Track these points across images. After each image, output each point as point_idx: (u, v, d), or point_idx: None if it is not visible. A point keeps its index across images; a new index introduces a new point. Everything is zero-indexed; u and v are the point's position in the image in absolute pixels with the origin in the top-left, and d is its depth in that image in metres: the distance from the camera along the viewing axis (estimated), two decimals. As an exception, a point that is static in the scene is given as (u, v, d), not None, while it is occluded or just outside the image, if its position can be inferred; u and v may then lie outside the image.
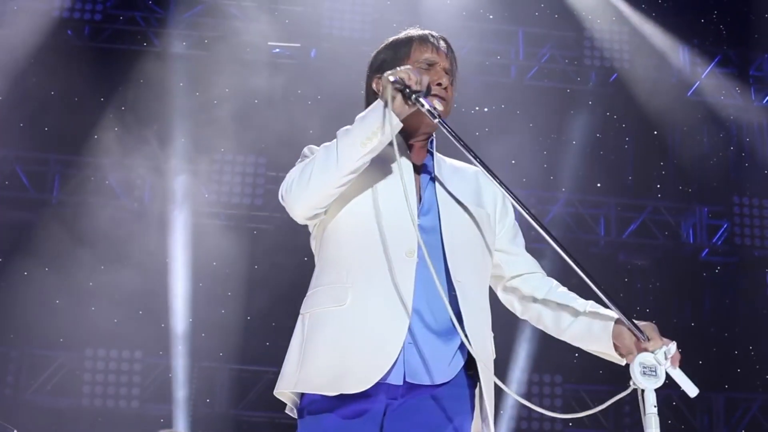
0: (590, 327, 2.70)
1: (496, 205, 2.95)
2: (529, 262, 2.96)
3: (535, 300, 2.86)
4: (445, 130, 2.63)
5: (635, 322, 2.55)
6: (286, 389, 2.67)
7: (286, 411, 2.79)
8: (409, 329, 2.58)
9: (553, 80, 12.02)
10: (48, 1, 10.97)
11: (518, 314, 2.94)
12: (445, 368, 2.62)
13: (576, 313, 2.75)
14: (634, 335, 2.54)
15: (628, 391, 2.44)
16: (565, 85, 12.01)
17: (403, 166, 2.68)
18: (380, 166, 2.72)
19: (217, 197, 10.88)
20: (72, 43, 11.14)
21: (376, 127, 2.56)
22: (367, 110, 2.64)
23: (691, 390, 2.49)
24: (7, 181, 10.80)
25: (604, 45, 11.91)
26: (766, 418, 11.33)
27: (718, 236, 11.86)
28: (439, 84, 2.81)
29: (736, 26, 11.93)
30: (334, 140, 2.66)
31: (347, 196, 2.69)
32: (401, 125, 2.59)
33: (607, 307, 2.58)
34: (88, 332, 10.10)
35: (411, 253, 2.63)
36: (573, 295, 2.83)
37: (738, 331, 11.27)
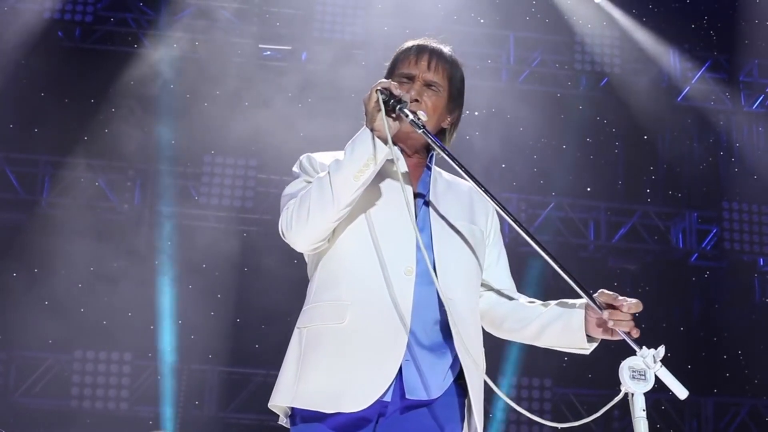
0: (559, 313, 2.74)
1: (487, 221, 2.97)
2: (504, 279, 2.99)
3: (504, 313, 2.88)
4: (429, 141, 2.64)
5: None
6: (282, 403, 2.67)
7: (280, 422, 2.79)
8: (407, 347, 2.61)
9: (544, 84, 12.04)
10: (39, 2, 10.94)
11: (492, 332, 2.95)
12: (440, 383, 2.66)
13: (541, 311, 2.79)
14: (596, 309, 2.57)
15: (620, 396, 2.44)
16: (555, 89, 12.03)
17: (405, 185, 2.70)
18: (379, 182, 2.73)
19: (207, 199, 10.87)
20: (63, 44, 11.13)
21: (367, 158, 2.57)
22: (354, 140, 2.62)
23: (681, 392, 2.49)
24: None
25: (595, 50, 11.94)
26: (755, 422, 11.35)
27: (707, 241, 11.89)
28: (415, 99, 2.78)
29: (726, 31, 11.96)
30: (326, 174, 2.64)
31: (353, 212, 2.70)
32: (389, 153, 2.58)
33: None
34: (77, 334, 10.07)
35: (409, 271, 2.66)
36: (539, 302, 2.86)
37: (727, 335, 11.29)
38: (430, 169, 2.89)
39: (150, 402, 10.40)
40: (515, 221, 2.60)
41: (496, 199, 2.64)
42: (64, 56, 10.93)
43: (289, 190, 2.81)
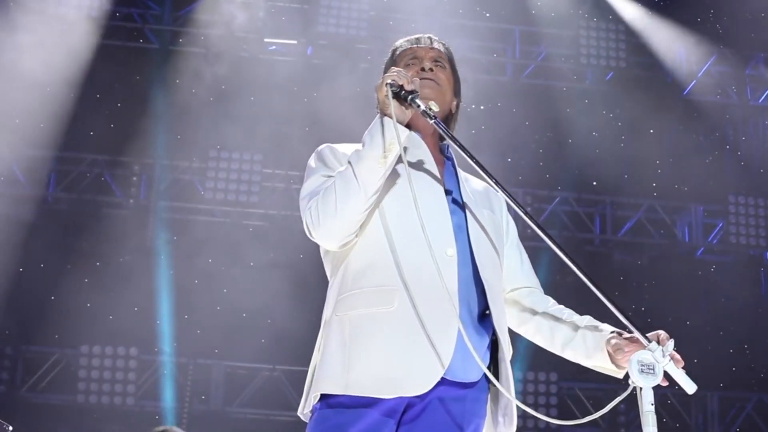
0: (586, 341, 2.76)
1: (503, 213, 3.00)
2: (531, 278, 2.99)
3: (534, 313, 2.89)
4: (440, 130, 2.64)
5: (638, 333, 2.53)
6: (333, 391, 2.58)
7: (300, 414, 2.73)
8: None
9: (549, 79, 12.02)
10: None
11: (514, 327, 2.96)
12: (478, 365, 2.61)
13: (574, 328, 2.80)
14: (635, 339, 2.55)
15: (629, 390, 2.43)
16: (561, 83, 12.02)
17: (430, 169, 2.75)
18: (404, 169, 2.68)
19: (212, 194, 10.87)
20: (68, 39, 11.13)
21: (388, 143, 2.57)
22: (370, 128, 2.63)
23: (689, 386, 2.47)
24: (3, 178, 10.79)
25: (600, 44, 11.92)
26: (761, 417, 11.34)
27: (713, 235, 11.88)
28: (423, 69, 2.85)
29: (732, 25, 11.93)
30: (347, 167, 2.62)
31: (380, 198, 2.68)
32: (408, 132, 2.61)
33: (608, 307, 2.56)
34: (83, 329, 10.10)
35: (452, 255, 2.65)
36: (570, 311, 2.87)
37: (733, 330, 11.27)
38: (449, 159, 2.92)
39: (156, 397, 10.42)
40: (528, 215, 2.58)
41: (511, 196, 2.62)
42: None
43: (308, 189, 2.75)
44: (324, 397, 2.60)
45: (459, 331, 2.54)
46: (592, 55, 11.91)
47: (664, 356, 2.42)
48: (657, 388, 2.44)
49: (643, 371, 2.40)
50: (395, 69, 2.65)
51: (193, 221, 10.99)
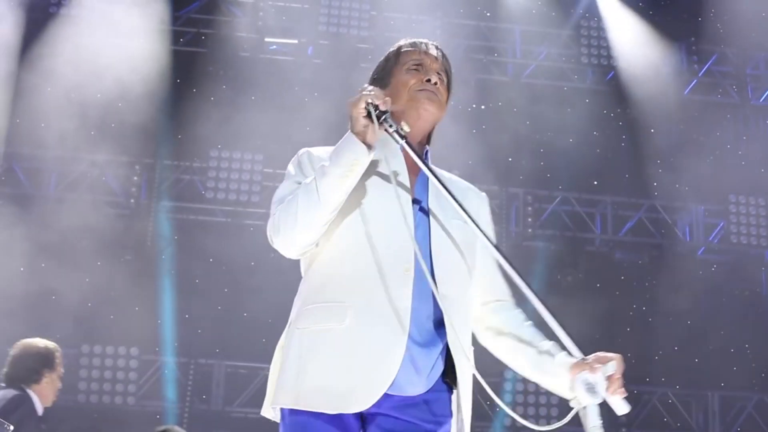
0: (547, 367, 2.75)
1: (481, 219, 2.94)
2: (502, 290, 2.97)
3: (499, 333, 2.90)
4: (410, 152, 2.65)
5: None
6: (284, 405, 2.67)
7: (265, 414, 2.80)
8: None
9: (550, 78, 12.02)
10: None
11: (479, 340, 2.97)
12: (428, 378, 2.68)
13: (537, 352, 2.79)
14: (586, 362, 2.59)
15: (575, 411, 2.53)
16: (561, 83, 12.02)
17: (401, 183, 2.75)
18: (374, 182, 2.74)
19: (213, 194, 10.88)
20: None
21: (352, 161, 2.60)
22: (339, 145, 2.66)
23: (620, 408, 2.54)
24: (4, 177, 10.80)
25: (601, 43, 11.93)
26: (762, 416, 11.34)
27: (714, 235, 11.87)
28: (429, 80, 2.87)
29: (733, 25, 11.93)
30: (312, 179, 2.67)
31: (341, 213, 2.71)
32: (372, 156, 2.63)
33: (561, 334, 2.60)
34: (84, 328, 10.10)
35: (408, 269, 2.68)
36: (535, 332, 2.86)
37: (734, 329, 11.27)
38: (427, 166, 2.89)
39: (157, 397, 10.42)
40: (496, 248, 2.62)
41: (476, 224, 2.64)
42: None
43: (278, 194, 2.82)
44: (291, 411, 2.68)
45: (407, 347, 2.60)
46: (593, 54, 11.93)
47: (605, 377, 2.50)
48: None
49: (588, 390, 2.49)
50: (371, 87, 2.65)
51: (194, 221, 10.99)
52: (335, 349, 2.62)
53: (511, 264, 2.59)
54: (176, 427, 5.62)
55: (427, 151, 2.95)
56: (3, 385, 5.71)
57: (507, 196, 11.47)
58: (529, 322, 2.89)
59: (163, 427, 6.36)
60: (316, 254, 2.77)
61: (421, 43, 2.97)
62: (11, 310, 9.81)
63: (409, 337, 2.62)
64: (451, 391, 2.75)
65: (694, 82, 12.14)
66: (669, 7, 12.00)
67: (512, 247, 11.13)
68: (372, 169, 2.70)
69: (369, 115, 2.59)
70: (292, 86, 11.04)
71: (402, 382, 2.62)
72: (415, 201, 2.80)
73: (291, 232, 2.68)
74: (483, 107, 11.36)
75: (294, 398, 2.63)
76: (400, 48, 2.99)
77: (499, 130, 11.08)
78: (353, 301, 2.65)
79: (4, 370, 5.72)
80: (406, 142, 2.62)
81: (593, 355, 2.58)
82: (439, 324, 2.70)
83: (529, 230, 11.44)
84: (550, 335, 2.74)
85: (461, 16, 11.66)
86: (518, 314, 2.93)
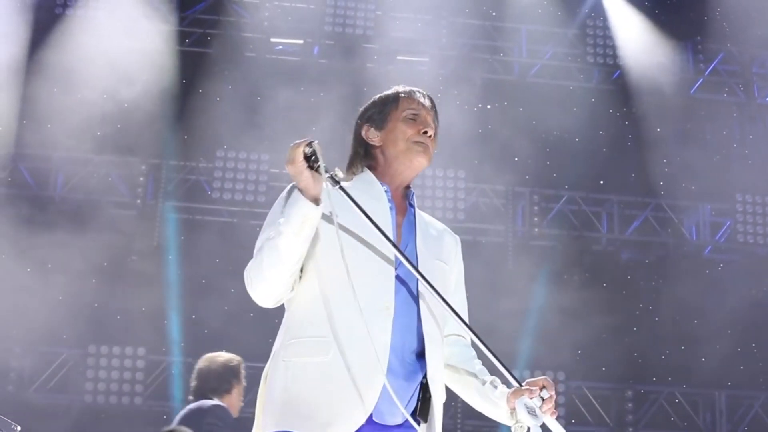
0: (489, 396, 3.00)
1: (454, 258, 3.18)
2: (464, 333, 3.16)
3: (452, 366, 3.11)
4: (346, 196, 2.75)
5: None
6: (272, 429, 2.86)
7: None
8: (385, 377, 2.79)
9: (556, 78, 12.02)
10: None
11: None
12: (407, 408, 2.85)
13: (482, 383, 3.04)
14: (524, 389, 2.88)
15: (516, 429, 2.81)
16: (567, 82, 12.01)
17: (385, 222, 2.92)
18: (358, 222, 2.83)
19: (219, 194, 10.89)
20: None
21: (301, 218, 2.75)
22: (288, 203, 2.81)
23: (557, 430, 2.78)
24: (10, 178, 10.81)
25: (607, 42, 11.92)
26: (769, 415, 11.34)
27: (720, 234, 11.86)
28: (425, 132, 3.04)
29: (739, 24, 11.91)
30: (273, 236, 2.85)
31: (325, 254, 2.89)
32: (320, 212, 2.77)
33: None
34: (91, 329, 10.11)
35: (388, 307, 2.85)
36: (484, 370, 3.09)
37: (741, 328, 11.25)
38: (412, 206, 3.10)
39: (164, 397, 10.44)
40: (434, 289, 2.83)
41: (423, 276, 2.83)
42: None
43: (258, 242, 3.02)
44: None
45: (387, 379, 2.76)
46: (599, 54, 11.92)
47: (542, 401, 2.80)
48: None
49: (528, 413, 2.76)
50: (305, 142, 2.71)
51: (200, 221, 11.01)
52: (319, 381, 2.80)
53: (457, 314, 2.86)
54: (183, 428, 5.62)
55: (412, 194, 3.13)
56: (191, 398, 5.74)
57: (513, 195, 11.46)
58: (479, 360, 3.12)
59: (170, 427, 6.36)
60: (299, 291, 2.94)
61: (418, 92, 3.12)
62: (18, 310, 9.84)
63: (389, 370, 2.80)
64: (421, 423, 2.90)
65: (700, 81, 12.13)
66: (675, 6, 11.99)
67: (518, 247, 11.14)
68: (355, 211, 2.79)
69: (306, 159, 2.69)
70: (298, 86, 11.04)
71: (383, 411, 2.80)
72: (404, 239, 2.99)
73: (262, 287, 2.90)
74: (489, 107, 11.36)
75: (280, 423, 2.83)
76: (398, 93, 3.13)
77: (505, 130, 11.08)
78: (335, 336, 2.82)
79: (193, 383, 5.80)
80: (340, 187, 2.74)
81: (526, 381, 2.88)
82: (419, 356, 2.90)
83: (536, 229, 11.43)
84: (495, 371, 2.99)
85: (467, 16, 11.65)
86: (469, 351, 3.15)
